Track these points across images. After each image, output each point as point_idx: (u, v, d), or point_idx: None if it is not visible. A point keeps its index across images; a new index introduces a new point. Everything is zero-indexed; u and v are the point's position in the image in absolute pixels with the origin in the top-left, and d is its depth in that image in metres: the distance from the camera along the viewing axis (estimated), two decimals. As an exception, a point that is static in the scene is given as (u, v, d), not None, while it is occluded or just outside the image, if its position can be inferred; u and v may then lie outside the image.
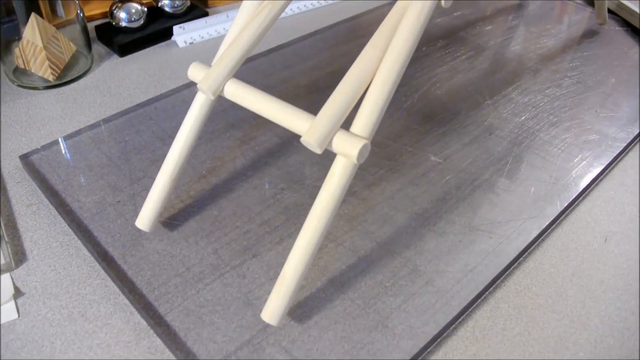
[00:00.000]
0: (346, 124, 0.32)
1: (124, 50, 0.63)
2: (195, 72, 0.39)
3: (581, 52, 0.67)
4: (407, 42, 0.33)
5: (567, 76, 0.62)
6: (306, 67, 0.61)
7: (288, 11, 0.73)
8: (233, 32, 0.39)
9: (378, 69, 0.33)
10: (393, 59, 0.33)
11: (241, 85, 0.36)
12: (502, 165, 0.49)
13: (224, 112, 0.53)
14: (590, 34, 0.71)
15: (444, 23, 0.71)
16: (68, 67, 0.60)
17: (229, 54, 0.37)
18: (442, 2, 0.33)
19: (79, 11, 0.59)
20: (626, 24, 0.74)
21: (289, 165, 0.48)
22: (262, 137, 0.51)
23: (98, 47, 0.65)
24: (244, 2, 0.39)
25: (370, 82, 0.33)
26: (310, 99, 0.55)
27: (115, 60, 0.63)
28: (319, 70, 0.60)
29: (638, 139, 0.54)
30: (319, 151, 0.32)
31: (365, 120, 0.32)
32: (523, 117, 0.55)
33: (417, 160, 0.49)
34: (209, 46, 0.66)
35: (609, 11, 0.76)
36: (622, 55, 0.67)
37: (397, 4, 0.35)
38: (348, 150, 0.32)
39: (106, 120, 0.52)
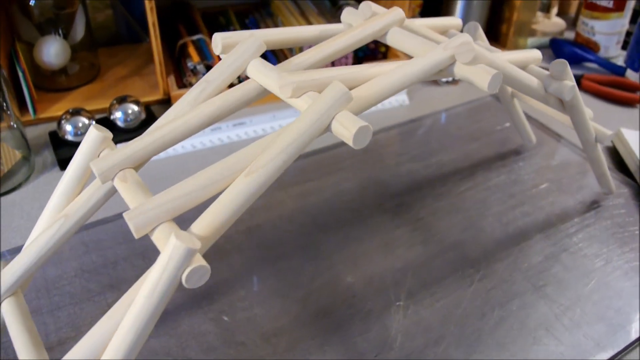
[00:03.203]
0: None
1: (65, 164, 0.62)
2: None
3: (563, 235, 0.55)
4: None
5: (526, 277, 0.50)
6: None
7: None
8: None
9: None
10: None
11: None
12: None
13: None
14: (585, 208, 0.59)
15: (410, 172, 0.62)
16: (8, 175, 0.60)
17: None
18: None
19: (12, 123, 0.59)
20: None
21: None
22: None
23: (48, 155, 0.64)
24: (42, 213, 0.36)
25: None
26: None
27: (55, 172, 0.62)
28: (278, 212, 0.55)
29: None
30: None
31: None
32: (433, 335, 0.44)
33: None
34: (154, 165, 0.63)
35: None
36: (614, 240, 0.54)
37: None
38: None
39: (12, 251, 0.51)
